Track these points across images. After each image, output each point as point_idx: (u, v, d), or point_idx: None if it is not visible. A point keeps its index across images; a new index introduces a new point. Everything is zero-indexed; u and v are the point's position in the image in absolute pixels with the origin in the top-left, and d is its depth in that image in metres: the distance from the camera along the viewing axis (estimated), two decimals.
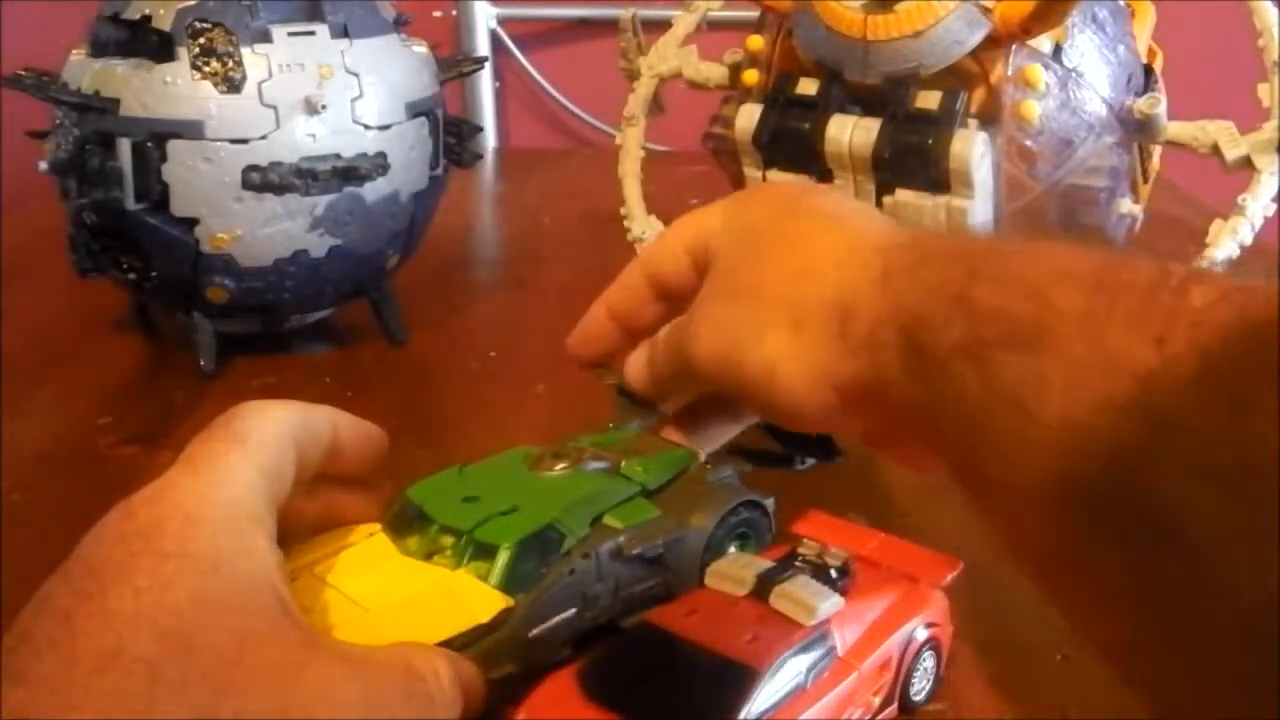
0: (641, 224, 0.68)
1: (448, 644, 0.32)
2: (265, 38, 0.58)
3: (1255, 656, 0.22)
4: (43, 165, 0.59)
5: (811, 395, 0.33)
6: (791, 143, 0.57)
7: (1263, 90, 0.59)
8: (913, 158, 0.53)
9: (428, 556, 0.36)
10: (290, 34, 0.58)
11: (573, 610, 0.36)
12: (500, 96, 1.29)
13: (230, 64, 0.57)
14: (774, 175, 0.59)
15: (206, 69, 0.57)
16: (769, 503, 0.41)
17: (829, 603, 0.34)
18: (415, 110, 0.63)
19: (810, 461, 0.43)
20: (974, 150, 0.52)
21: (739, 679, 0.32)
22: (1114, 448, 0.24)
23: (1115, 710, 0.37)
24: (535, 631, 0.34)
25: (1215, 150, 0.58)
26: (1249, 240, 0.58)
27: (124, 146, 0.57)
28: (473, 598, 0.34)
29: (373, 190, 0.61)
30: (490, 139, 1.26)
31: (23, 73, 0.60)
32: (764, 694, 0.31)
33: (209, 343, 0.63)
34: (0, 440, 0.55)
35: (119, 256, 0.61)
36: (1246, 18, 0.61)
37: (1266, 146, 0.57)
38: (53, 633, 0.26)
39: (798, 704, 0.32)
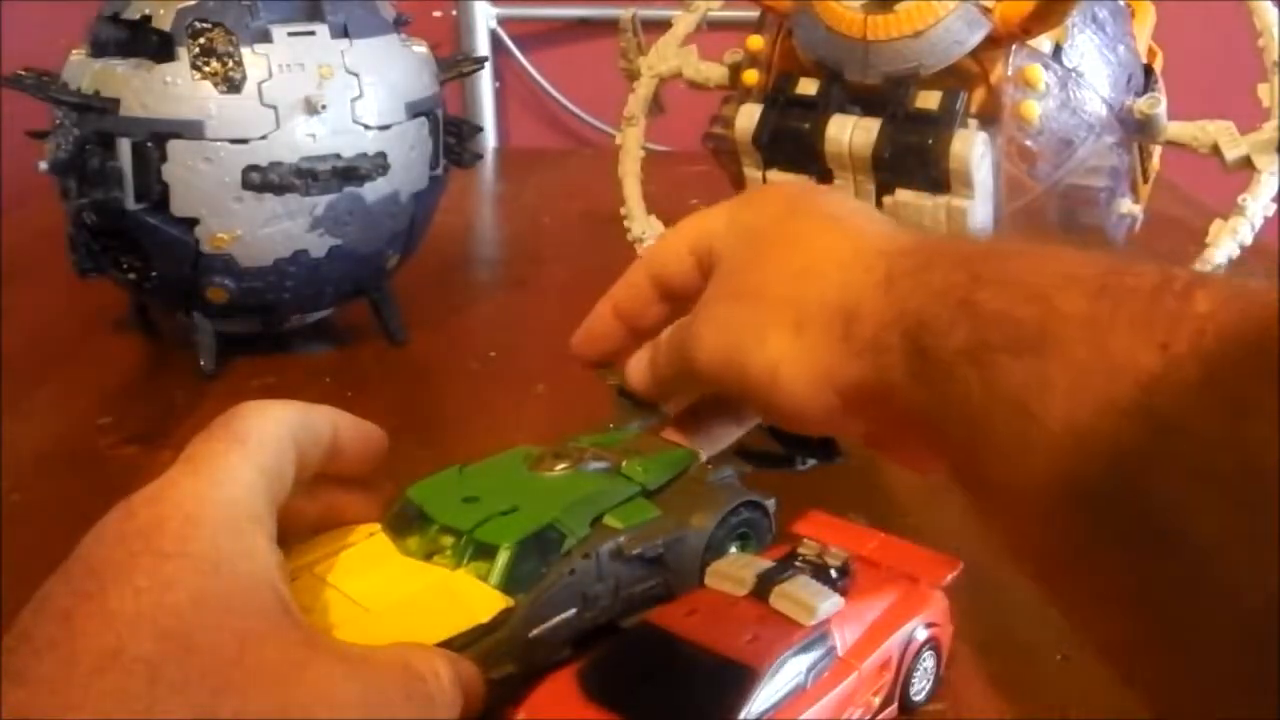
0: (641, 224, 0.68)
1: (448, 644, 0.32)
2: (265, 38, 0.58)
3: (1255, 657, 0.22)
4: (43, 165, 0.58)
5: (814, 397, 0.33)
6: (791, 143, 0.57)
7: (1263, 90, 0.59)
8: (913, 158, 0.53)
9: (428, 556, 0.36)
10: (290, 34, 0.58)
11: (573, 610, 0.36)
12: (500, 96, 1.29)
13: (230, 64, 0.57)
14: (774, 175, 0.59)
15: (206, 69, 0.57)
16: (769, 503, 0.41)
17: (829, 603, 0.34)
18: (415, 110, 0.63)
19: (811, 462, 0.43)
20: (974, 150, 0.52)
21: (739, 679, 0.32)
22: (1116, 451, 0.24)
23: (1115, 710, 0.37)
24: (535, 631, 0.34)
25: (1215, 150, 0.58)
26: (1249, 240, 0.59)
27: (124, 146, 0.57)
28: (473, 598, 0.34)
29: (373, 190, 0.61)
30: (490, 139, 1.26)
31: (23, 73, 0.60)
32: (764, 694, 0.31)
33: (209, 343, 0.63)
34: (0, 440, 0.55)
35: (119, 256, 0.61)
36: (1246, 18, 0.61)
37: (1266, 146, 0.57)
38: (53, 633, 0.26)
39: (798, 704, 0.32)
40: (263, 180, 0.58)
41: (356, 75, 0.60)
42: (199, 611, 0.27)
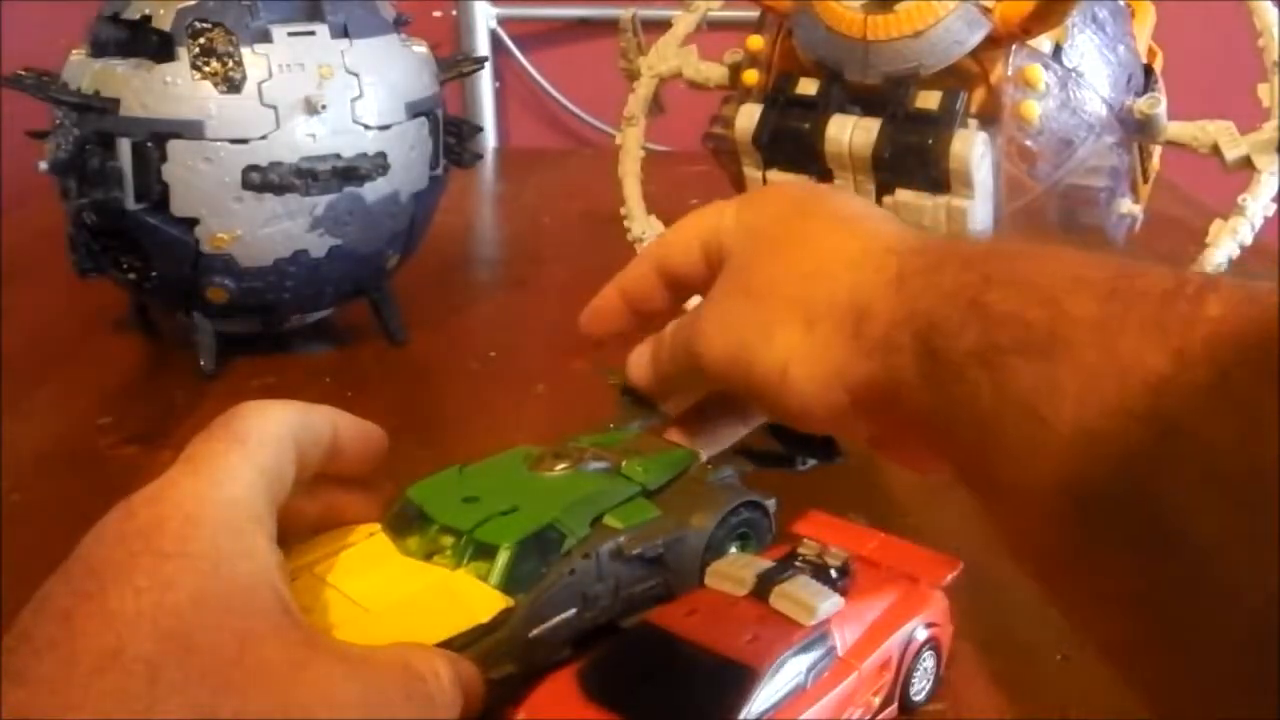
0: (641, 224, 0.68)
1: (448, 644, 0.32)
2: (265, 38, 0.58)
3: (1255, 657, 0.22)
4: (43, 165, 0.59)
5: (822, 396, 0.33)
6: (791, 143, 0.57)
7: (1263, 90, 0.59)
8: (913, 158, 0.53)
9: (428, 556, 0.36)
10: (290, 34, 0.58)
11: (573, 610, 0.36)
12: (500, 96, 1.29)
13: (230, 64, 0.57)
14: (774, 175, 0.59)
15: (206, 69, 0.57)
16: (770, 503, 0.41)
17: (829, 603, 0.34)
18: (415, 110, 0.63)
19: (811, 462, 0.43)
20: (974, 150, 0.52)
21: (739, 679, 0.32)
22: (1125, 454, 0.24)
23: (1115, 710, 0.37)
24: (535, 631, 0.34)
25: (1215, 150, 0.58)
26: (1249, 240, 0.58)
27: (124, 146, 0.57)
28: (473, 598, 0.34)
29: (373, 190, 0.61)
30: (490, 139, 1.26)
31: (23, 73, 0.60)
32: (764, 694, 0.31)
33: (209, 343, 0.63)
34: (0, 440, 0.55)
35: (119, 256, 0.61)
36: (1246, 18, 0.61)
37: (1266, 146, 0.57)
38: (53, 633, 0.26)
39: (798, 704, 0.32)
40: (263, 180, 0.58)
41: (356, 75, 0.60)
42: (199, 611, 0.27)
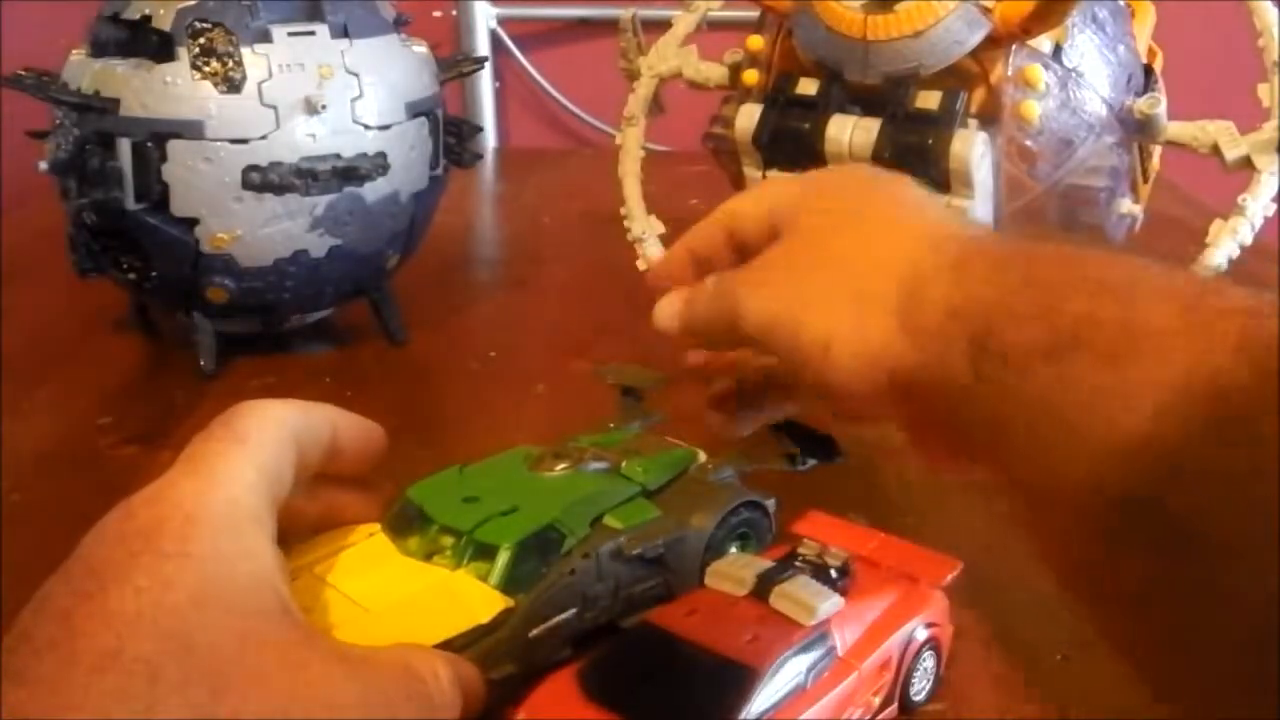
0: (641, 224, 0.68)
1: (448, 644, 0.33)
2: (265, 38, 0.58)
3: (1255, 657, 0.22)
4: (43, 165, 0.58)
5: (864, 375, 0.33)
6: (791, 143, 0.57)
7: (1263, 90, 0.59)
8: (913, 158, 0.53)
9: (428, 557, 0.36)
10: (290, 34, 0.58)
11: (573, 610, 0.36)
12: (500, 96, 1.29)
13: (230, 64, 0.57)
14: (774, 175, 0.59)
15: (206, 69, 0.57)
16: (769, 503, 0.42)
17: (829, 603, 0.34)
18: (415, 110, 0.63)
19: (811, 462, 0.43)
20: (974, 150, 0.52)
21: (739, 679, 0.32)
22: (1190, 461, 0.24)
23: (1115, 710, 0.37)
24: (535, 632, 0.35)
25: (1215, 150, 0.58)
26: (1249, 240, 0.58)
27: (124, 146, 0.57)
28: (473, 598, 0.34)
29: (373, 190, 0.61)
30: (490, 139, 1.26)
31: (23, 73, 0.60)
32: (764, 694, 0.31)
33: (209, 343, 0.63)
34: (0, 440, 0.55)
35: (119, 256, 0.61)
36: (1246, 18, 0.61)
37: (1266, 146, 0.57)
38: (53, 633, 0.26)
39: (798, 704, 0.32)
40: (263, 180, 0.58)
41: (356, 75, 0.60)
42: (199, 611, 0.27)
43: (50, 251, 0.63)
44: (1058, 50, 0.55)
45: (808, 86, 0.57)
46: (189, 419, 0.57)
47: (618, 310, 0.71)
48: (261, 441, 0.32)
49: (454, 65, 0.69)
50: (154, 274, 0.61)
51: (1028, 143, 0.54)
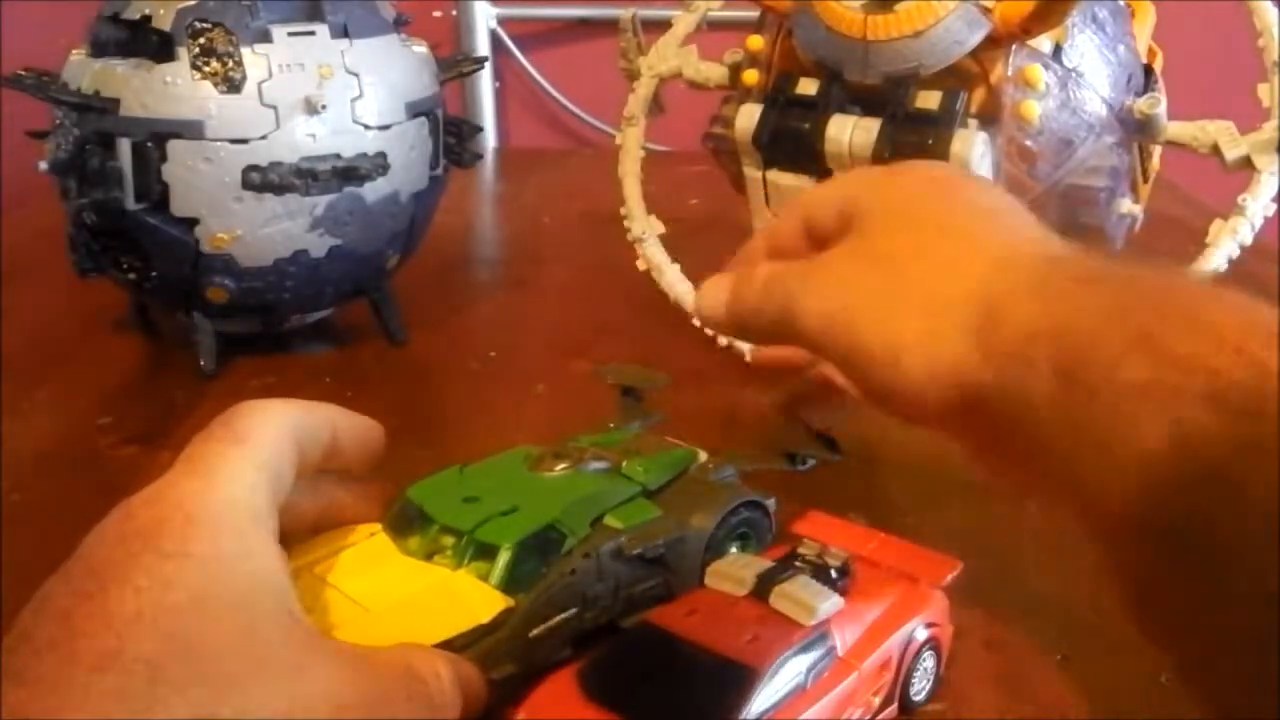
0: (641, 224, 0.68)
1: (448, 644, 0.33)
2: (265, 38, 0.58)
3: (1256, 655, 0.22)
4: (43, 165, 0.58)
5: (933, 389, 0.31)
6: (791, 143, 0.57)
7: (1263, 90, 0.59)
8: (913, 158, 0.53)
9: (428, 556, 0.36)
10: (290, 34, 0.58)
11: (573, 610, 0.36)
12: (500, 96, 1.29)
13: (230, 64, 0.57)
14: (774, 175, 0.59)
15: (206, 69, 0.57)
16: (770, 503, 0.42)
17: (829, 603, 0.34)
18: (415, 110, 0.63)
19: (811, 462, 0.43)
20: (974, 150, 0.52)
21: (739, 679, 0.32)
22: None
23: (1115, 710, 0.37)
24: (536, 631, 0.35)
25: (1215, 150, 0.58)
26: (1249, 240, 0.58)
27: (124, 146, 0.57)
28: (473, 598, 0.34)
29: (373, 190, 0.61)
30: (490, 139, 1.26)
31: (23, 73, 0.60)
32: (764, 694, 0.31)
33: (209, 343, 0.63)
34: (0, 440, 0.55)
35: (119, 256, 0.61)
36: (1246, 18, 0.61)
37: (1266, 146, 0.57)
38: (53, 632, 0.26)
39: (798, 704, 0.32)
40: (263, 180, 0.58)
41: (356, 75, 0.60)
42: (200, 611, 0.27)
43: (50, 251, 0.63)
44: (1058, 50, 0.55)
45: (808, 86, 0.57)
46: (189, 419, 0.57)
47: (618, 310, 0.72)
48: (262, 441, 0.32)
49: (454, 65, 0.69)
50: (154, 274, 0.61)
51: (1028, 143, 0.54)
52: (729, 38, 0.67)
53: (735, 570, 0.36)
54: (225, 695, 0.26)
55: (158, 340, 0.68)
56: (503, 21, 1.26)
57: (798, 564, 0.37)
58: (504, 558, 0.35)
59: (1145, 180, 0.63)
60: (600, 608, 0.37)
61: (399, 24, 0.65)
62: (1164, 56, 0.63)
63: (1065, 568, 0.44)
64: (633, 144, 0.70)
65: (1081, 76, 0.55)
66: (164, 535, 0.28)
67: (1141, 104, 0.57)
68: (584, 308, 0.75)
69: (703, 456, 0.43)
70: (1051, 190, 0.56)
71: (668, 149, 0.96)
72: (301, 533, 0.36)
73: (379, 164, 0.61)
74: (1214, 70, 0.84)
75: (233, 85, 0.57)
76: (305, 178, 0.58)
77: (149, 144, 0.57)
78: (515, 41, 1.26)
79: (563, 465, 0.40)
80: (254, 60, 0.57)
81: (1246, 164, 0.58)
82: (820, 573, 0.36)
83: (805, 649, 0.33)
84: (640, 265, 0.68)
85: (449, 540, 0.36)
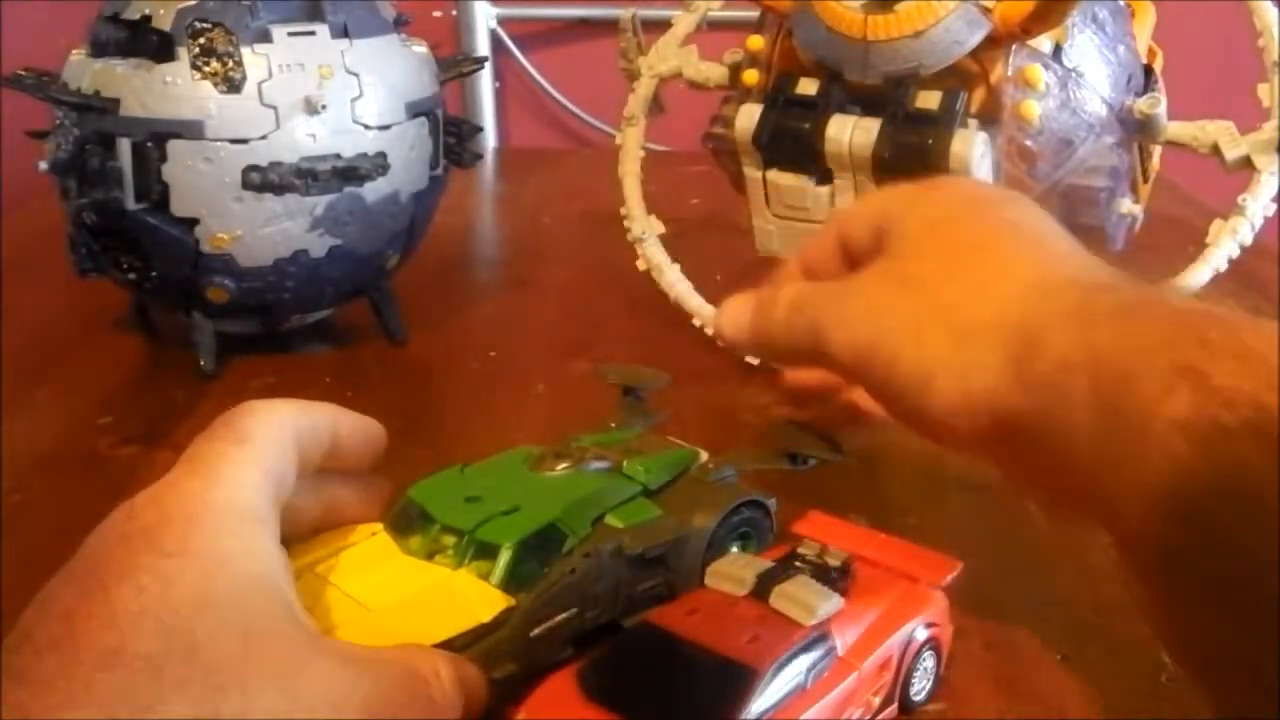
0: (641, 224, 0.68)
1: (449, 643, 0.33)
2: (265, 38, 0.58)
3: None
4: (43, 165, 0.58)
5: (966, 415, 0.31)
6: (791, 143, 0.57)
7: (1263, 90, 0.59)
8: (913, 158, 0.53)
9: (429, 556, 0.36)
10: (290, 34, 0.58)
11: (574, 610, 0.36)
12: (500, 96, 1.29)
13: (230, 64, 0.57)
14: (774, 175, 0.59)
15: (206, 69, 0.57)
16: (770, 502, 0.42)
17: (829, 603, 0.34)
18: (415, 110, 0.63)
19: (811, 462, 0.43)
20: (974, 150, 0.52)
21: (739, 679, 0.32)
22: None
23: (1115, 710, 0.37)
24: (536, 631, 0.35)
25: (1215, 150, 0.58)
26: (1249, 240, 0.59)
27: (124, 146, 0.57)
28: (474, 597, 0.34)
29: (373, 190, 0.61)
30: (490, 139, 1.26)
31: (23, 73, 0.60)
32: (764, 694, 0.31)
33: (209, 343, 0.63)
34: (0, 440, 0.55)
35: (119, 256, 0.61)
36: (1246, 18, 0.61)
37: (1266, 146, 0.57)
38: (54, 632, 0.26)
39: (798, 704, 0.32)
40: (263, 180, 0.58)
41: (356, 75, 0.60)
42: (201, 610, 0.27)
43: (50, 251, 0.63)
44: (1058, 50, 0.55)
45: (808, 86, 0.57)
46: (189, 419, 0.57)
47: (618, 310, 0.72)
48: (263, 441, 0.32)
49: (454, 65, 0.69)
50: (154, 274, 0.61)
51: (1028, 143, 0.54)
52: (729, 38, 0.67)
53: (735, 570, 0.36)
54: (226, 694, 0.26)
55: (158, 340, 0.68)
56: (503, 21, 1.26)
57: (798, 564, 0.37)
58: (505, 557, 0.35)
59: (1145, 180, 0.63)
60: (601, 607, 0.37)
61: (399, 24, 0.65)
62: (1164, 56, 0.63)
63: (1065, 568, 0.44)
64: (633, 144, 0.70)
65: (1081, 76, 0.55)
66: (166, 535, 0.28)
67: (1141, 104, 0.57)
68: (584, 308, 0.75)
69: (703, 456, 0.43)
70: (1051, 190, 0.56)
71: (668, 149, 0.96)
72: (303, 532, 0.36)
73: (379, 164, 0.61)
74: (1214, 70, 0.84)
75: (233, 85, 0.57)
76: (305, 178, 0.58)
77: (149, 144, 0.57)
78: (515, 41, 1.26)
79: (564, 465, 0.40)
80: (254, 60, 0.57)
81: (1246, 164, 0.58)
82: (820, 573, 0.36)
83: (805, 649, 0.33)
84: (640, 265, 0.68)
85: (450, 540, 0.36)
